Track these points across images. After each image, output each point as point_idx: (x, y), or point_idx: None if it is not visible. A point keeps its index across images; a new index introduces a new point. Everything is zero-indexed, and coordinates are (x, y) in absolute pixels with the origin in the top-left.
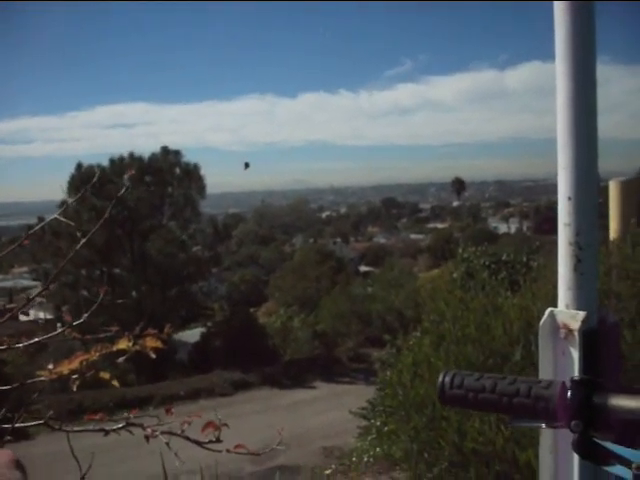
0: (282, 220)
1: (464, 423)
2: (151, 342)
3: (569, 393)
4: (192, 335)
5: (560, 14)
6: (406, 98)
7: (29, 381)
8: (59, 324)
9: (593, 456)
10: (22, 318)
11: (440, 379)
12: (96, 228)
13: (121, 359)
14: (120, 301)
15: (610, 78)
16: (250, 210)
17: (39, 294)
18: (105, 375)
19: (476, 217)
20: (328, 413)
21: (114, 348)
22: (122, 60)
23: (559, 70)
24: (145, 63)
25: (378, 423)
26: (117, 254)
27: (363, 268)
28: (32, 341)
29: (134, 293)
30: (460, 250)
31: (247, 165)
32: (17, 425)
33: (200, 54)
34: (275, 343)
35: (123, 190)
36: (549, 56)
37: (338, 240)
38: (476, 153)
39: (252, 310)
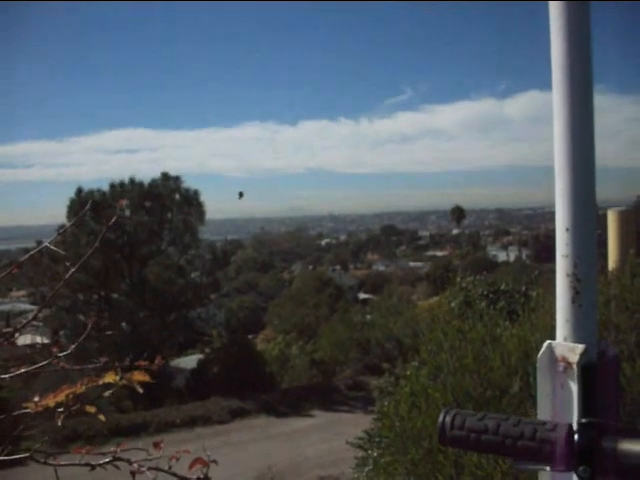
0: (281, 247)
1: (461, 456)
2: (139, 376)
3: (576, 437)
4: (189, 361)
5: (557, 41)
6: (406, 126)
7: (15, 413)
8: (55, 350)
9: None
10: (18, 342)
11: (440, 419)
12: (89, 254)
13: (107, 393)
14: (109, 333)
15: (607, 107)
16: (249, 237)
17: (32, 319)
18: (91, 409)
19: (475, 245)
20: (325, 442)
21: (100, 382)
22: (125, 87)
23: (556, 98)
24: (147, 89)
25: (375, 454)
26: (115, 279)
27: (362, 295)
28: (18, 372)
29: (132, 318)
30: (459, 279)
31: (241, 195)
32: (1, 458)
33: (203, 81)
34: (273, 370)
35: (114, 219)
36: (546, 85)
37: (337, 267)
38: (476, 181)
39: (250, 337)
